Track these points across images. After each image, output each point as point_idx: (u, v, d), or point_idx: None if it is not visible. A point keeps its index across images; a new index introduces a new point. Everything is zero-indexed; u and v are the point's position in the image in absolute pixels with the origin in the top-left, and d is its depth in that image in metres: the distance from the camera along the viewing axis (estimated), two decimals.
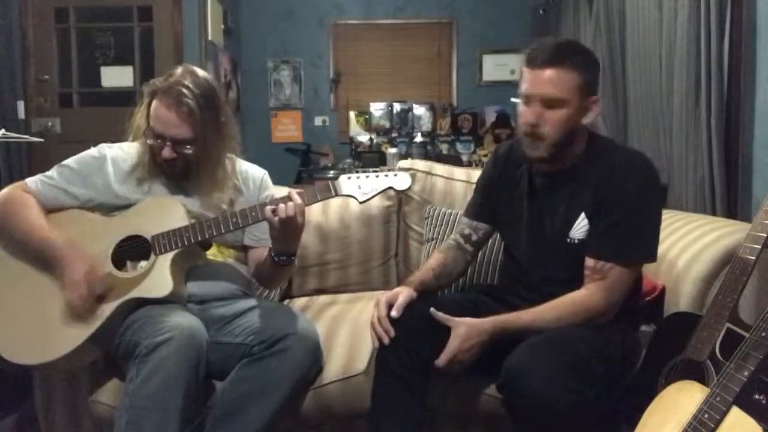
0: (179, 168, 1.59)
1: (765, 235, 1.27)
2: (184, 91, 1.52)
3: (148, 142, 1.57)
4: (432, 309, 1.41)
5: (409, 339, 1.42)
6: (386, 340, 1.43)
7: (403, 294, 1.47)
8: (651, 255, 1.43)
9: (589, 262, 1.41)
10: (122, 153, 1.66)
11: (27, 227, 1.52)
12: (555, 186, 1.48)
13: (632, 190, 1.38)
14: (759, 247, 1.27)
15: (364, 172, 1.50)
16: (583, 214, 1.43)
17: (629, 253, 1.40)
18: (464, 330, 1.37)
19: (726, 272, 1.34)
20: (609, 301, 1.40)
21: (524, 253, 1.55)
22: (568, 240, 1.45)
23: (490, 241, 1.79)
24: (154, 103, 1.55)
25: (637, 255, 1.42)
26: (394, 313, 1.44)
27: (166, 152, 1.55)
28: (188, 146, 1.55)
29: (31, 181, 1.61)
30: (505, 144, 1.68)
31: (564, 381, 1.22)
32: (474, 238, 1.66)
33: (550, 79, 1.35)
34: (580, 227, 1.44)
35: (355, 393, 1.54)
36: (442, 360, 1.37)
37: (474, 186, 1.73)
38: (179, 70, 1.59)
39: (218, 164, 1.64)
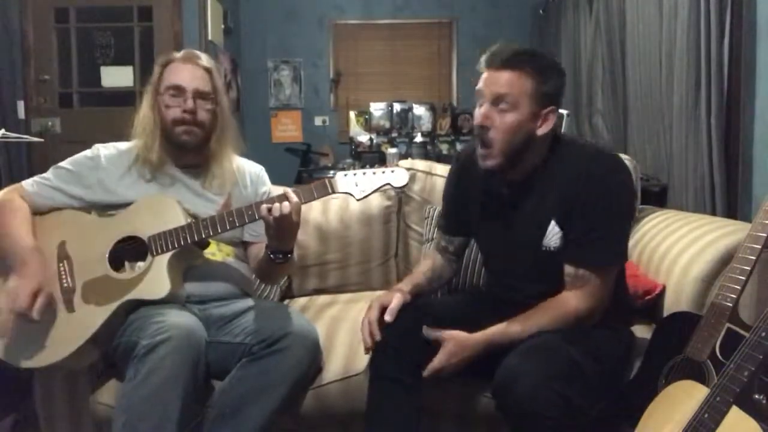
0: (196, 136, 1.60)
1: (765, 235, 1.27)
2: (200, 54, 1.67)
3: (166, 104, 1.59)
4: (424, 327, 1.40)
5: (402, 342, 1.42)
6: (369, 343, 1.43)
7: (396, 298, 1.47)
8: (625, 258, 1.43)
9: (569, 269, 1.40)
10: (117, 152, 1.66)
11: (5, 230, 1.52)
12: (520, 194, 1.45)
13: (602, 195, 1.35)
14: (759, 247, 1.27)
15: (362, 169, 1.49)
16: (553, 222, 1.41)
17: (607, 259, 1.39)
18: (452, 347, 1.36)
19: (726, 272, 1.34)
20: (591, 306, 1.39)
21: (500, 262, 1.55)
22: (543, 248, 1.43)
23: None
24: (170, 66, 1.62)
25: (615, 258, 1.41)
26: (387, 317, 1.43)
27: (189, 103, 1.58)
28: (208, 102, 1.61)
29: (28, 183, 1.61)
30: (466, 149, 1.62)
31: (554, 386, 1.22)
32: (451, 249, 1.66)
33: (501, 80, 1.34)
34: (553, 235, 1.41)
35: (355, 393, 1.54)
36: (427, 372, 1.37)
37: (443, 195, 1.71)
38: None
39: (229, 136, 1.68)
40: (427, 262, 1.67)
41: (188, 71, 1.61)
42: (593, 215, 1.36)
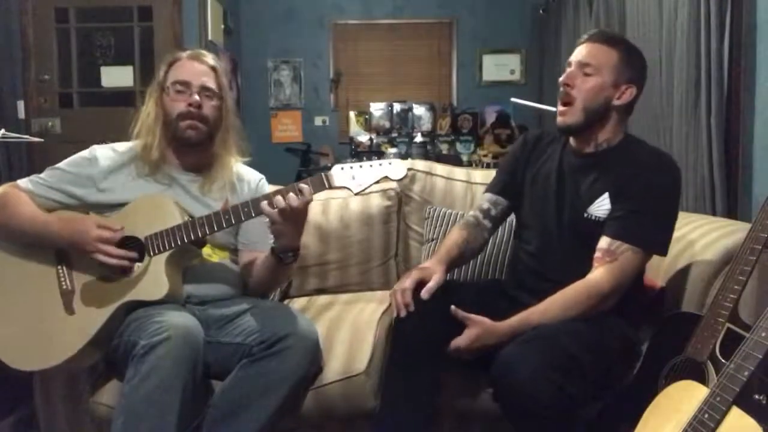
0: (200, 131, 1.61)
1: (765, 235, 1.27)
2: (206, 53, 1.69)
3: (172, 98, 1.60)
4: (452, 307, 1.43)
5: (427, 316, 1.44)
6: (403, 313, 1.45)
7: (436, 277, 1.50)
8: (663, 248, 1.47)
9: (603, 243, 1.44)
10: (114, 153, 1.65)
11: (23, 218, 1.52)
12: (584, 167, 1.53)
13: (656, 184, 1.44)
14: (759, 247, 1.27)
15: (358, 161, 1.48)
16: (606, 194, 1.48)
17: (644, 239, 1.43)
18: (477, 331, 1.40)
19: (726, 272, 1.34)
20: (614, 285, 1.42)
21: (540, 230, 1.59)
22: (586, 215, 1.49)
23: (496, 239, 1.83)
24: (176, 64, 1.64)
25: (651, 243, 1.45)
26: (425, 295, 1.46)
27: (194, 97, 1.59)
28: (213, 99, 1.62)
29: (22, 182, 1.60)
30: (535, 131, 1.75)
31: (549, 375, 1.24)
32: (493, 212, 1.69)
33: (589, 51, 1.49)
34: (601, 205, 1.48)
35: (355, 393, 1.54)
36: (450, 348, 1.42)
37: (497, 169, 1.80)
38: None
39: (233, 137, 1.70)
40: (460, 232, 1.68)
41: (194, 68, 1.63)
42: (640, 200, 1.43)
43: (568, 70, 1.51)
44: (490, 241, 1.80)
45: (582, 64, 1.48)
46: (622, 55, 1.48)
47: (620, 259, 1.42)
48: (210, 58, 1.67)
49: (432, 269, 1.53)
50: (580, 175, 1.54)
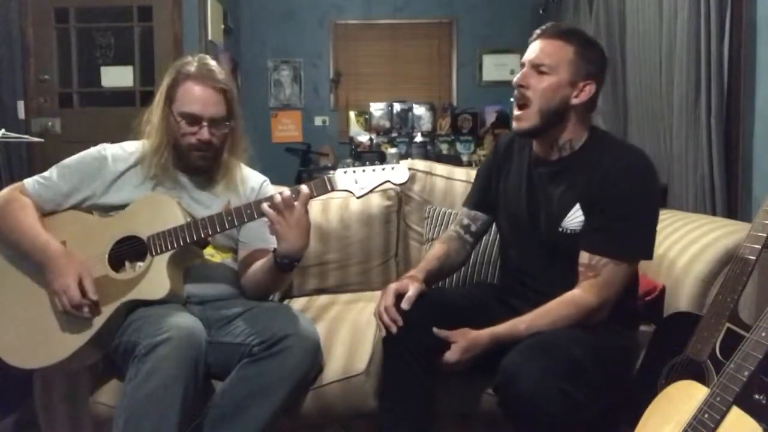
0: (210, 159, 1.60)
1: (765, 235, 1.27)
2: (215, 70, 1.59)
3: (182, 131, 1.56)
4: (434, 329, 1.42)
5: (415, 328, 1.43)
6: (394, 330, 1.42)
7: (413, 287, 1.47)
8: (646, 253, 1.42)
9: (583, 258, 1.41)
10: (123, 153, 1.65)
11: (21, 231, 1.52)
12: (552, 176, 1.48)
13: (629, 188, 1.37)
14: (759, 247, 1.27)
15: (361, 166, 1.47)
16: (578, 205, 1.42)
17: (623, 249, 1.39)
18: (462, 344, 1.39)
19: (726, 272, 1.34)
20: (602, 299, 1.39)
21: (518, 244, 1.57)
22: (560, 229, 1.44)
23: (489, 237, 1.82)
24: (186, 86, 1.56)
25: (631, 252, 1.41)
26: (405, 306, 1.43)
27: (204, 134, 1.55)
28: (223, 127, 1.59)
29: (29, 183, 1.60)
30: (507, 135, 1.68)
31: (555, 383, 1.22)
32: (473, 228, 1.67)
33: (543, 48, 1.42)
34: (574, 218, 1.43)
35: (355, 393, 1.54)
36: (443, 364, 1.41)
37: (474, 177, 1.75)
38: (196, 56, 1.64)
39: (240, 149, 1.69)
40: (440, 247, 1.66)
41: (204, 96, 1.56)
42: (614, 208, 1.38)
43: (522, 70, 1.44)
44: (483, 240, 1.79)
45: (537, 63, 1.41)
46: (578, 49, 1.41)
47: (603, 273, 1.38)
48: (220, 77, 1.59)
49: (408, 280, 1.51)
50: (549, 185, 1.48)
